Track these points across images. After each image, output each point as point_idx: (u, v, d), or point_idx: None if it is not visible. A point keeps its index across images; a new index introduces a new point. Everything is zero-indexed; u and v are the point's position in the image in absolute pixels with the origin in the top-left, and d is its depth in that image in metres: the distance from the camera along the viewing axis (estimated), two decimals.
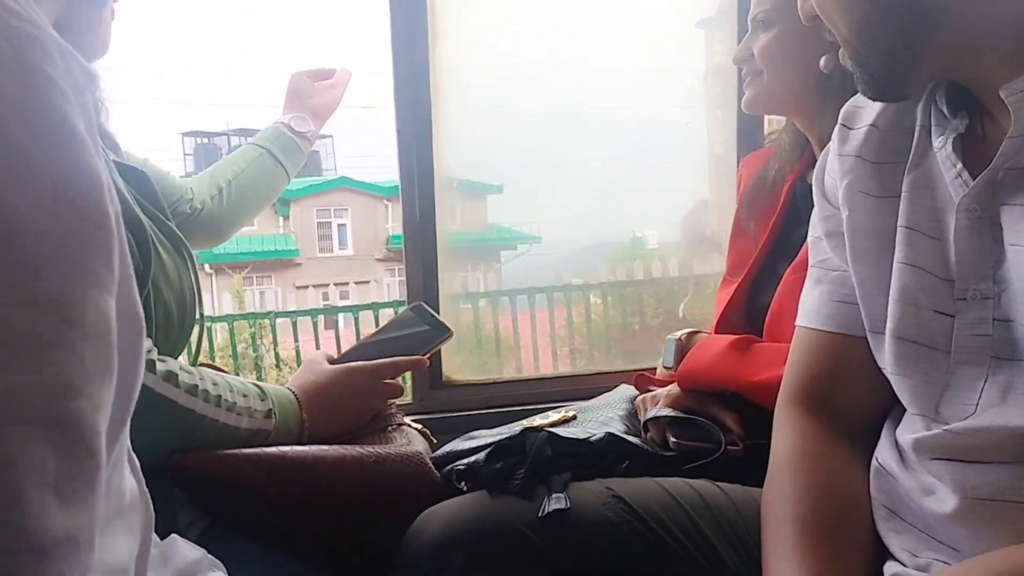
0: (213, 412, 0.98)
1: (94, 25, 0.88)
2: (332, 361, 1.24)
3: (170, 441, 0.96)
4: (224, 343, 4.52)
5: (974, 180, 0.75)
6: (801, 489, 0.84)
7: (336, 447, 1.08)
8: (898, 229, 0.81)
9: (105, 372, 0.42)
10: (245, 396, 1.03)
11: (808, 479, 0.85)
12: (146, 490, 0.64)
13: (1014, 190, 0.72)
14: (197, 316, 1.09)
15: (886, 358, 0.82)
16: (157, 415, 0.94)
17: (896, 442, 0.83)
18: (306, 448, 1.06)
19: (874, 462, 0.85)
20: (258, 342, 4.54)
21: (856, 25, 0.76)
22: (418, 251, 1.66)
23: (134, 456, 0.64)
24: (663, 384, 1.32)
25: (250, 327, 4.61)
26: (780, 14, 1.23)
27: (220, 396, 0.99)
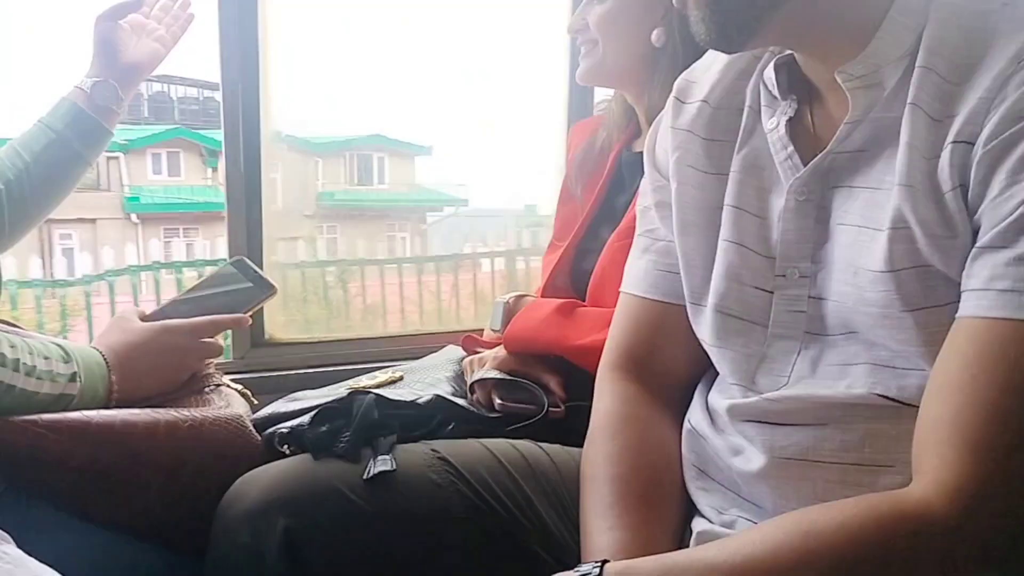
0: (10, 377, 0.90)
1: None
2: (144, 318, 1.16)
3: None
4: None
5: (804, 163, 0.79)
6: (619, 450, 0.87)
7: (148, 411, 1.02)
8: (724, 207, 0.85)
9: None
10: (47, 359, 0.95)
11: (625, 441, 0.88)
12: None
13: (843, 173, 0.77)
14: None
15: (706, 330, 0.87)
16: None
17: (707, 405, 0.88)
18: (114, 412, 0.99)
19: (686, 424, 0.90)
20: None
21: None
22: (241, 206, 1.59)
23: None
24: (490, 346, 1.34)
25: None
26: None
27: (18, 360, 0.91)
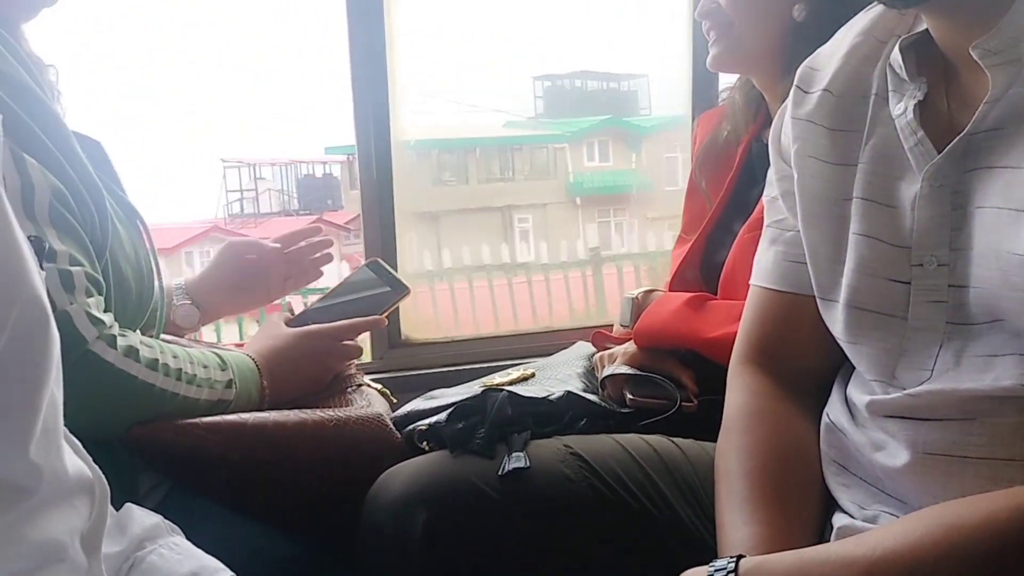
0: (173, 386, 0.97)
1: None
2: (289, 324, 1.23)
3: (131, 415, 0.96)
4: None
5: (935, 147, 0.75)
6: (753, 444, 0.86)
7: (296, 411, 1.08)
8: (854, 200, 0.82)
9: None
10: (205, 367, 1.02)
11: (760, 435, 0.87)
12: (97, 468, 0.64)
13: (979, 155, 0.73)
14: (156, 288, 1.07)
15: (839, 327, 0.84)
16: (118, 390, 0.93)
17: (847, 399, 0.86)
18: (266, 414, 1.06)
19: (824, 418, 0.88)
20: None
21: None
22: (375, 211, 1.66)
23: (74, 439, 0.64)
24: (620, 341, 1.34)
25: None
26: None
27: (180, 369, 0.98)
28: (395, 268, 1.49)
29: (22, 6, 0.64)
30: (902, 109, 0.78)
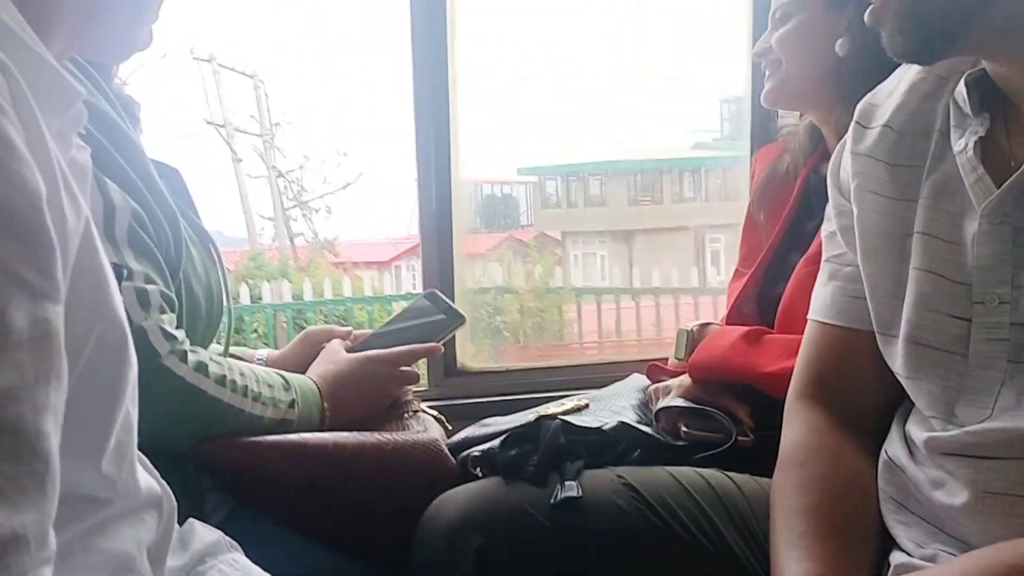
0: (239, 402, 1.01)
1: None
2: (349, 350, 1.26)
3: (198, 429, 0.99)
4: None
5: (995, 184, 0.75)
6: (809, 480, 0.86)
7: (355, 434, 1.10)
8: (914, 235, 0.81)
9: (50, 376, 0.43)
10: (270, 386, 1.06)
11: (816, 471, 0.86)
12: (165, 484, 0.67)
13: None
14: (225, 308, 1.11)
15: (898, 362, 0.83)
16: (188, 403, 0.96)
17: (906, 436, 0.85)
18: (327, 435, 1.08)
19: (883, 455, 0.87)
20: None
21: None
22: (434, 241, 1.69)
23: (146, 459, 0.66)
24: (674, 374, 1.34)
25: None
26: (799, 5, 1.26)
27: (247, 386, 1.02)
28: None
29: (116, 54, 0.68)
30: (963, 145, 0.78)
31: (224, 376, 0.99)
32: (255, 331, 5.35)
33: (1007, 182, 0.74)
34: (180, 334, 0.96)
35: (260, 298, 5.49)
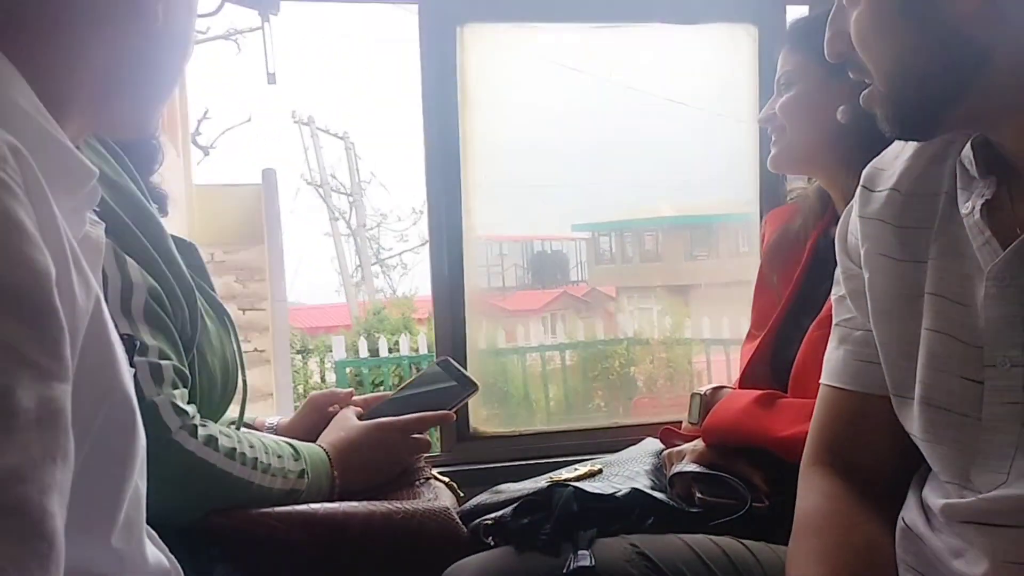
0: (249, 474, 1.01)
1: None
2: (360, 417, 1.26)
3: (208, 502, 0.99)
4: None
5: (1003, 247, 0.75)
6: (825, 549, 0.84)
7: (365, 503, 1.10)
8: (925, 296, 0.81)
9: (56, 455, 0.44)
10: (279, 457, 1.06)
11: (832, 539, 0.85)
12: (173, 558, 0.67)
13: None
14: (240, 382, 1.12)
15: (915, 424, 0.82)
16: (197, 477, 0.97)
17: (923, 503, 0.83)
18: (336, 505, 1.08)
19: (900, 522, 0.85)
20: None
21: (898, 57, 0.74)
22: (447, 306, 1.69)
23: (153, 532, 0.66)
24: (689, 438, 1.33)
25: None
26: (800, 74, 1.28)
27: (256, 458, 1.02)
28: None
29: (133, 133, 0.70)
30: (970, 208, 0.78)
31: (234, 449, 1.00)
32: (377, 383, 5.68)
33: (1012, 245, 0.74)
34: (191, 409, 0.97)
35: (377, 352, 5.81)
